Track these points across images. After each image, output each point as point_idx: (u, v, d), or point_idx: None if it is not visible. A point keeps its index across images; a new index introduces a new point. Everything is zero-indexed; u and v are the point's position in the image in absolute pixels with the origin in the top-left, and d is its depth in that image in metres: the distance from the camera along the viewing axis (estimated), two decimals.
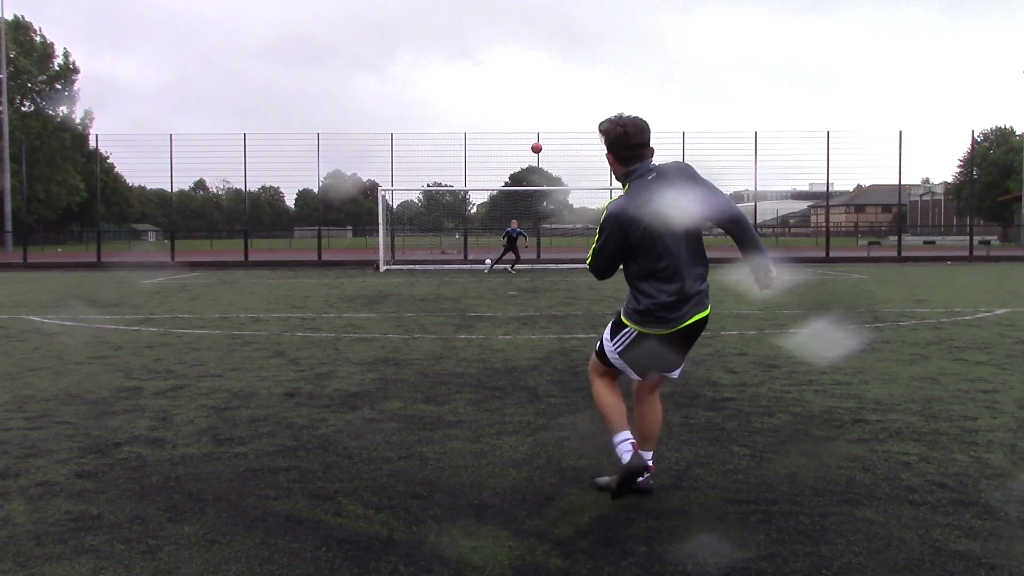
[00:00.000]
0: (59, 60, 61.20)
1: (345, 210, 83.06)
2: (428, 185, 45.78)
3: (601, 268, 3.81)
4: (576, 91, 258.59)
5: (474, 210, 51.84)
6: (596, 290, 16.95)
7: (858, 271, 24.62)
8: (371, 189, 45.47)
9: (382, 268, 26.91)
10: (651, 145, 3.75)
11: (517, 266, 25.42)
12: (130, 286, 19.38)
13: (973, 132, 37.69)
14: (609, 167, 3.83)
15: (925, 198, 76.24)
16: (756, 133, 31.34)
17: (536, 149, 27.20)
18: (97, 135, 38.28)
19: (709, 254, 3.86)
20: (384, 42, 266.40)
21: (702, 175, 3.73)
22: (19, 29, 58.71)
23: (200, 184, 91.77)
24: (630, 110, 3.78)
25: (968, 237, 34.40)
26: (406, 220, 49.74)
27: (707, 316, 3.78)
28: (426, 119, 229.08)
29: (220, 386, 6.67)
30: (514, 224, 25.46)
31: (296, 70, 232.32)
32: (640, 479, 3.73)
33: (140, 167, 47.97)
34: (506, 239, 25.19)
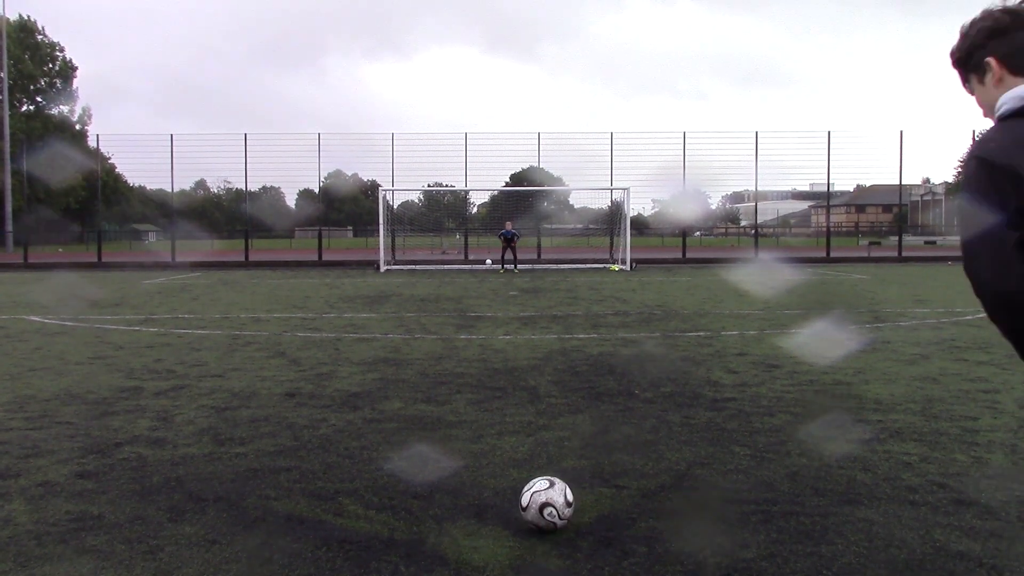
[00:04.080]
0: (58, 57, 61.35)
1: (346, 210, 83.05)
2: (429, 185, 45.78)
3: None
4: (508, 86, 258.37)
5: (475, 210, 51.83)
6: (596, 290, 16.95)
7: (859, 271, 24.62)
8: (372, 189, 45.48)
9: (382, 268, 26.90)
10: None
11: (509, 266, 25.60)
12: (131, 286, 19.39)
13: (974, 132, 37.68)
14: None
15: (926, 198, 76.25)
16: (757, 133, 31.32)
17: None
18: (98, 135, 38.20)
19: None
20: (311, 38, 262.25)
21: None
22: (24, 31, 58.79)
23: (201, 184, 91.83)
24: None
25: None
26: (407, 220, 49.67)
27: None
28: (355, 117, 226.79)
29: (221, 386, 6.67)
30: (508, 225, 25.79)
31: (233, 69, 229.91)
32: None
33: (140, 167, 47.95)
34: (503, 240, 25.59)
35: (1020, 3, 1.95)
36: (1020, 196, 1.72)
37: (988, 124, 1.95)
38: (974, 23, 2.00)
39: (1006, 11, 1.95)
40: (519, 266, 26.01)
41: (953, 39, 2.06)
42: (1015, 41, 1.92)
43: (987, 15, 1.97)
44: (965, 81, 2.07)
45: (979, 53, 1.98)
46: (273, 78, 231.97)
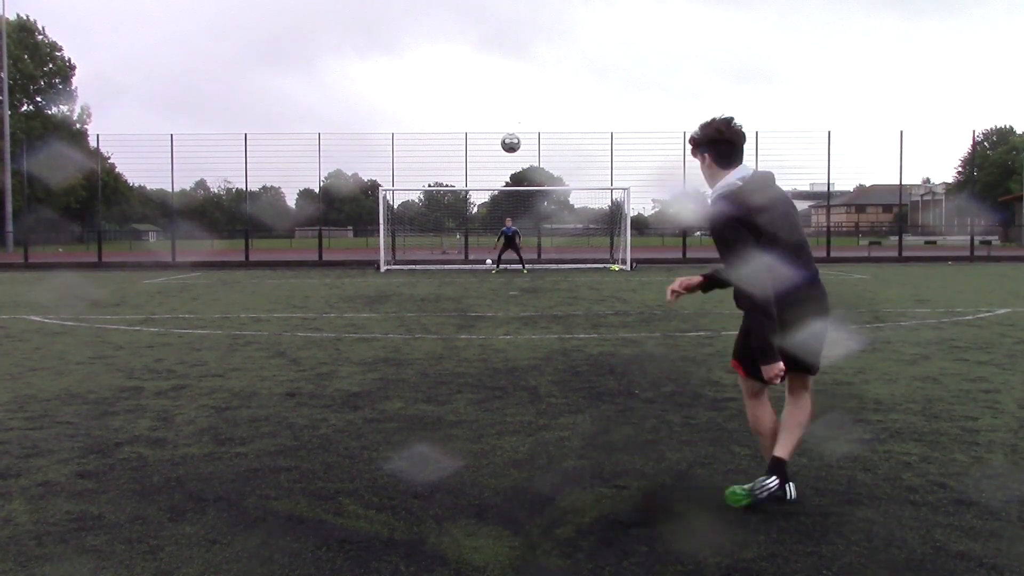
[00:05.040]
0: (57, 57, 61.36)
1: (346, 210, 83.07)
2: (429, 185, 45.76)
3: None
4: (504, 86, 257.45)
5: (475, 210, 51.82)
6: (597, 290, 16.95)
7: (859, 271, 24.61)
8: (372, 189, 45.47)
9: (383, 268, 26.91)
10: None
11: (507, 266, 25.26)
12: (131, 286, 19.40)
13: (974, 132, 37.68)
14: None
15: (926, 198, 76.20)
16: (757, 133, 31.31)
17: None
18: (98, 135, 38.15)
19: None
20: (305, 37, 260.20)
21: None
22: (24, 31, 58.78)
23: (201, 184, 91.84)
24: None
25: (969, 237, 34.40)
26: (407, 220, 49.68)
27: None
28: (352, 116, 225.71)
29: (221, 386, 6.67)
30: (508, 222, 24.92)
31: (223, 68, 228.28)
32: None
33: (140, 167, 47.92)
34: (502, 239, 24.65)
35: (731, 123, 3.61)
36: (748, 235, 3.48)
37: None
38: (705, 127, 3.64)
39: (721, 129, 3.60)
40: (526, 266, 25.48)
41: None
42: (719, 148, 3.62)
43: (710, 126, 3.63)
44: (695, 156, 3.72)
45: (702, 147, 3.66)
46: (268, 78, 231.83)
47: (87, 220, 60.86)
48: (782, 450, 3.74)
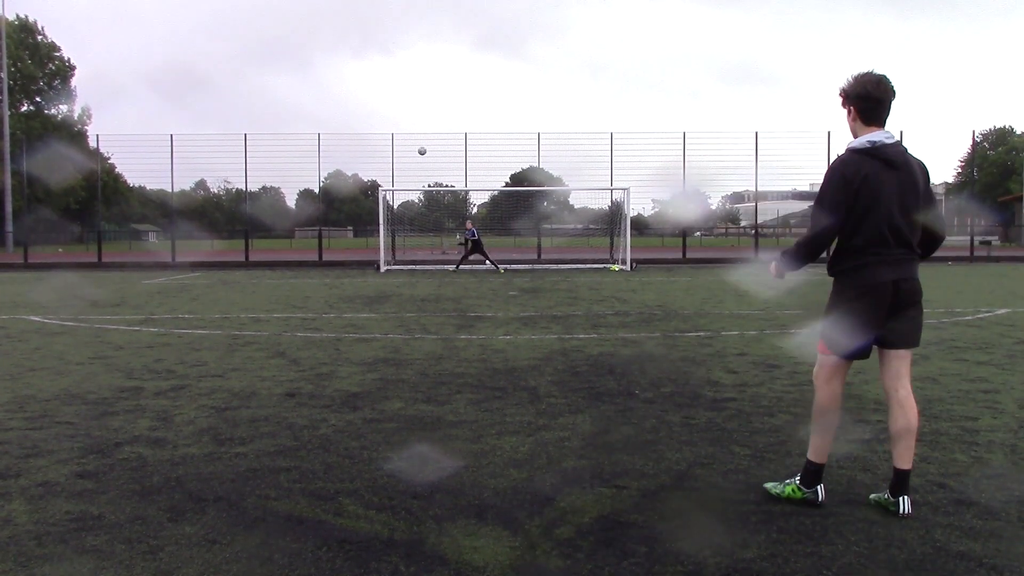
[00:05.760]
0: (56, 57, 61.40)
1: (346, 210, 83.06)
2: (429, 185, 45.74)
3: None
4: (501, 85, 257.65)
5: (475, 210, 51.80)
6: (596, 290, 16.96)
7: None
8: (372, 189, 45.47)
9: (383, 268, 26.90)
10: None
11: (482, 266, 25.41)
12: (131, 286, 19.39)
13: (974, 132, 37.68)
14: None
15: None
16: (756, 133, 31.32)
17: None
18: (98, 135, 38.15)
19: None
20: (295, 39, 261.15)
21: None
22: (24, 31, 58.82)
23: (201, 184, 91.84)
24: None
25: (969, 237, 34.40)
26: (407, 220, 49.67)
27: None
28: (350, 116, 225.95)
29: (221, 386, 6.67)
30: (468, 224, 25.17)
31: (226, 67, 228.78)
32: None
33: (140, 167, 47.90)
34: (468, 243, 24.80)
35: (881, 82, 3.62)
36: (846, 193, 3.56)
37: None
38: (856, 81, 3.65)
39: (870, 86, 3.62)
40: (461, 267, 25.85)
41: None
42: (866, 104, 3.64)
43: (860, 82, 3.64)
44: (843, 107, 3.74)
45: (849, 101, 3.68)
46: (268, 78, 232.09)
47: (87, 220, 60.78)
48: (900, 461, 3.69)
